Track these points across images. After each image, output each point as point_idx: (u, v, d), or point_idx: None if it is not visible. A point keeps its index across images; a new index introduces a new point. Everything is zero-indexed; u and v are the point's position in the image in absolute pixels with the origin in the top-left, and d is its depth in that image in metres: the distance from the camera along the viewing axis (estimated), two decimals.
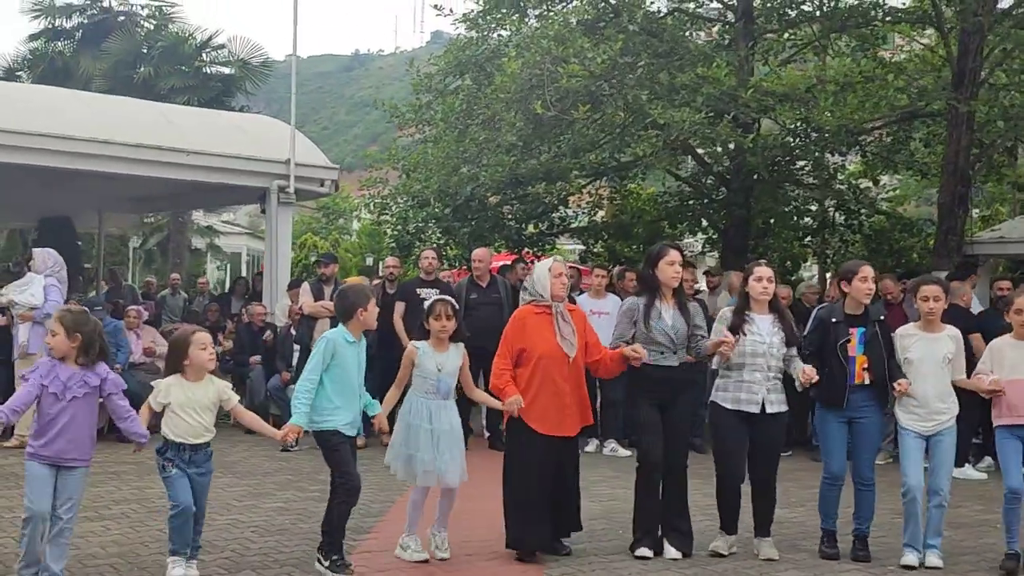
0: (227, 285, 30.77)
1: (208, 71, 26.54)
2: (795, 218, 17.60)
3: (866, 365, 6.82)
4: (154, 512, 7.32)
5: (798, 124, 14.72)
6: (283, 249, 13.88)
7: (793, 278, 17.65)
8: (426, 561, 6.35)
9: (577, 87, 13.08)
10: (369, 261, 36.17)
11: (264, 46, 28.96)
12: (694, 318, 6.93)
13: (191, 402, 5.73)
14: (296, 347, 11.24)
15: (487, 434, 10.93)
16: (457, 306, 6.60)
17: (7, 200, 17.27)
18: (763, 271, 6.85)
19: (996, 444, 6.99)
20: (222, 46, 26.58)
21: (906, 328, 7.06)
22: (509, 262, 13.85)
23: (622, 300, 9.34)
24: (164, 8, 27.48)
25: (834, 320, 6.95)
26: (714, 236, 18.04)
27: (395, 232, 16.89)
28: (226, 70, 26.65)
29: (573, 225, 18.17)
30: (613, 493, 8.62)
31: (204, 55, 26.55)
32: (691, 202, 17.65)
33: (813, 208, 17.74)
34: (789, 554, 6.89)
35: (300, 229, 40.98)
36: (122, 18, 27.35)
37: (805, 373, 6.63)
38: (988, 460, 10.47)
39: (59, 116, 12.68)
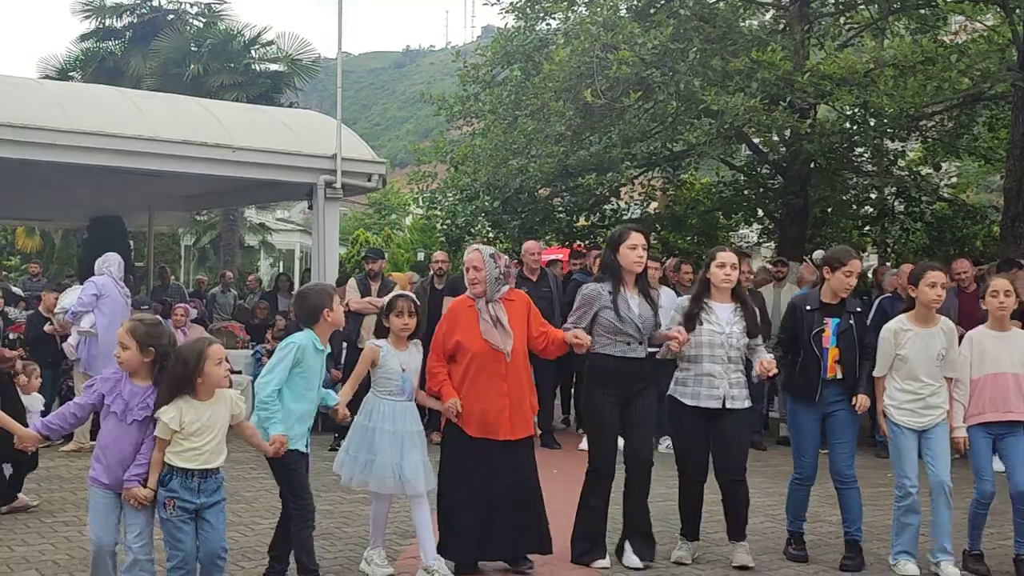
0: None
1: (257, 68, 26.63)
2: (854, 207, 17.14)
3: (838, 358, 6.43)
4: None
5: (856, 110, 14.30)
6: (331, 245, 13.72)
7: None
8: (391, 575, 6.00)
9: (627, 74, 12.77)
10: (420, 256, 36.10)
11: (313, 43, 29.06)
12: (658, 306, 6.50)
13: (202, 425, 4.91)
14: (344, 344, 11.07)
15: (539, 432, 10.69)
16: (419, 303, 6.17)
17: (58, 200, 17.38)
18: (727, 256, 6.40)
19: (970, 443, 6.48)
20: (271, 43, 26.69)
21: (897, 322, 6.55)
22: (558, 256, 13.61)
23: (678, 294, 9.04)
24: (213, 6, 27.64)
25: (808, 308, 6.55)
26: (770, 226, 17.64)
27: (444, 226, 16.71)
28: (275, 67, 26.72)
29: (625, 217, 17.85)
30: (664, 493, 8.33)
31: (253, 52, 26.61)
32: (746, 192, 17.26)
33: (872, 196, 17.26)
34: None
35: (352, 225, 41.10)
36: (171, 16, 27.53)
37: (763, 365, 6.26)
38: None
39: (106, 114, 12.64)
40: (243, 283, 21.18)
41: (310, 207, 14.25)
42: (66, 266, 27.05)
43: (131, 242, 21.31)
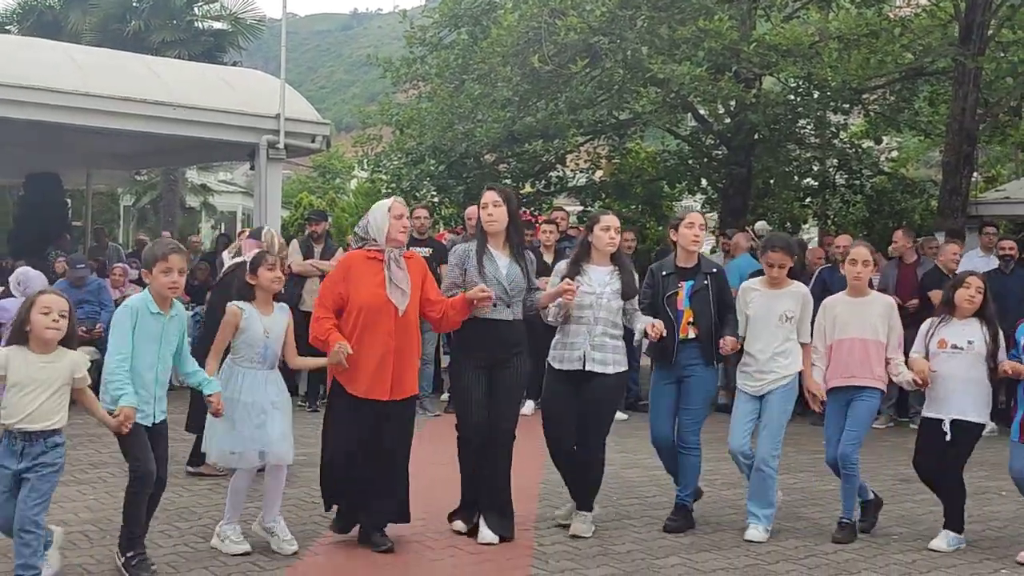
0: None
1: (200, 26, 26.14)
2: (796, 178, 17.31)
3: (691, 319, 6.45)
4: None
5: (800, 81, 14.40)
6: (273, 206, 13.56)
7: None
8: (247, 553, 5.64)
9: (575, 41, 12.76)
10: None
11: (258, 2, 28.58)
12: (530, 267, 6.30)
13: (32, 379, 4.72)
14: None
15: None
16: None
17: None
18: (610, 220, 6.33)
19: (826, 410, 6.61)
20: (214, 0, 26.18)
21: (750, 283, 6.70)
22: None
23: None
24: None
25: (664, 273, 6.58)
26: (713, 196, 17.75)
27: (389, 190, 16.58)
28: (218, 25, 26.26)
29: (571, 184, 17.85)
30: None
31: (196, 9, 26.12)
32: (690, 161, 17.34)
33: (814, 168, 17.43)
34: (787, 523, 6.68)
35: (296, 188, 40.66)
36: None
37: (655, 327, 6.11)
38: (991, 425, 10.23)
39: (43, 68, 12.32)
40: (186, 245, 20.89)
41: (252, 168, 14.08)
42: (1, 225, 26.50)
43: (68, 200, 20.93)
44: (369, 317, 5.76)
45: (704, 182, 17.40)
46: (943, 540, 6.38)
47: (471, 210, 11.26)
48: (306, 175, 49.26)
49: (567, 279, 6.14)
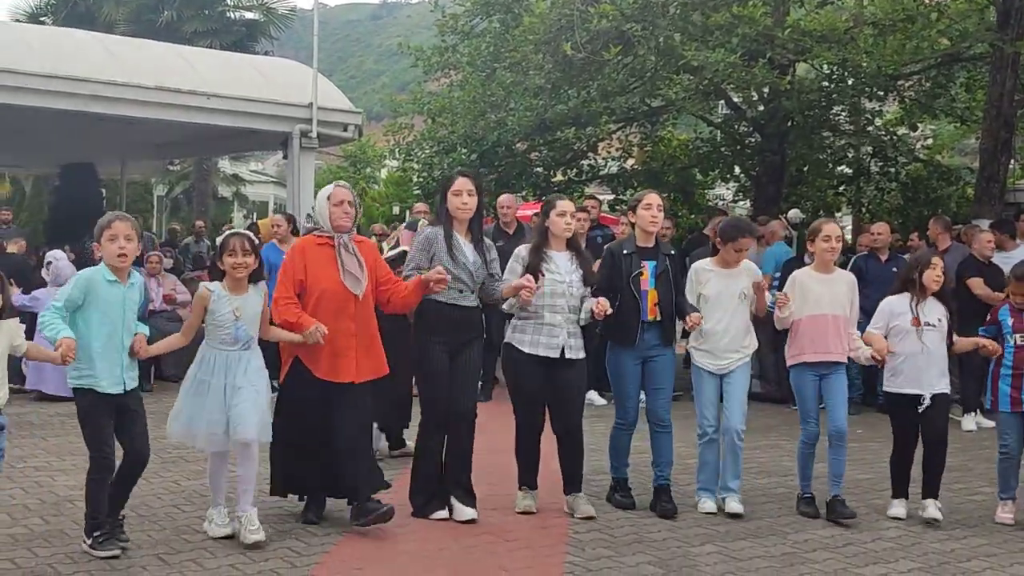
0: None
1: (232, 16, 26.27)
2: (830, 166, 17.16)
3: (656, 300, 6.46)
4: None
5: (835, 68, 14.26)
6: (306, 195, 13.62)
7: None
8: (230, 536, 5.59)
9: (608, 28, 12.67)
10: (396, 210, 35.93)
11: None
12: (488, 254, 6.32)
13: None
14: None
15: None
16: (256, 241, 5.78)
17: (29, 146, 17.14)
18: (567, 205, 6.34)
19: (794, 384, 6.78)
20: None
21: (702, 263, 6.76)
22: (536, 211, 13.50)
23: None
24: None
25: (625, 252, 6.56)
26: (747, 184, 17.64)
27: (420, 179, 16.59)
28: (250, 15, 26.40)
29: (603, 172, 17.79)
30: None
31: None
32: (723, 149, 17.23)
33: (849, 155, 17.28)
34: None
35: (326, 178, 40.76)
36: None
37: (600, 304, 6.10)
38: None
39: (79, 59, 12.44)
40: (217, 233, 21.02)
41: (285, 157, 14.13)
42: (37, 214, 26.73)
43: (103, 190, 21.10)
44: (330, 302, 5.82)
45: (737, 169, 17.28)
46: (934, 509, 6.56)
47: (503, 198, 11.26)
48: (337, 165, 49.41)
49: (528, 276, 6.09)
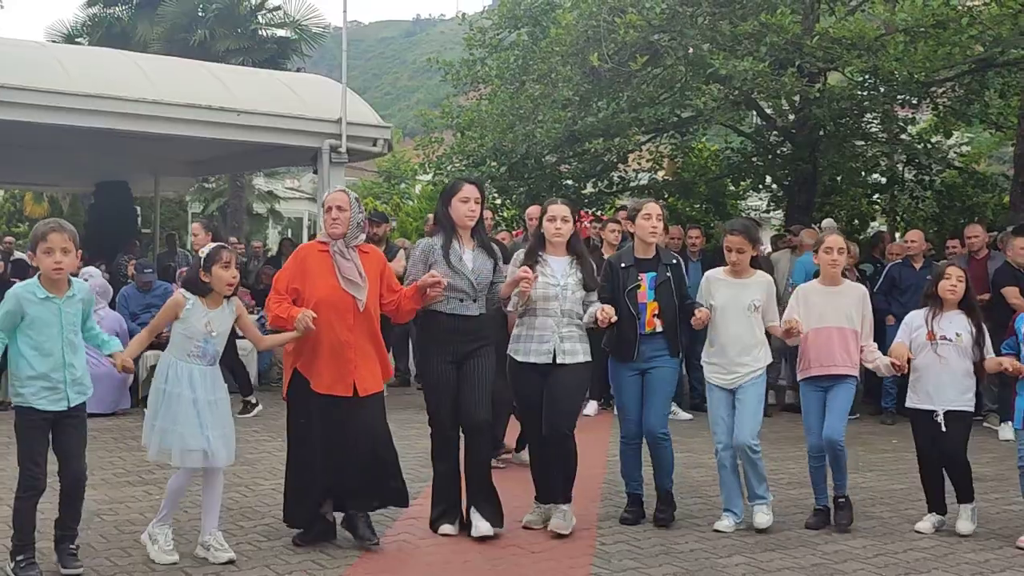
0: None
1: (263, 33, 26.47)
2: (863, 174, 16.99)
3: (657, 311, 6.33)
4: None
5: (867, 76, 14.13)
6: None
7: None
8: (175, 563, 5.41)
9: (635, 39, 12.62)
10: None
11: (322, 10, 28.88)
12: (498, 261, 6.19)
13: None
14: None
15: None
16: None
17: (64, 164, 17.33)
18: (557, 210, 6.16)
19: (801, 399, 6.70)
20: (277, 8, 26.54)
21: (715, 272, 6.64)
22: None
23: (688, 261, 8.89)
24: None
25: (623, 265, 6.44)
26: (779, 194, 17.50)
27: None
28: (281, 32, 26.58)
29: (633, 184, 17.72)
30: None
31: (259, 17, 26.46)
32: (754, 159, 17.11)
33: (882, 164, 17.10)
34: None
35: (361, 194, 40.94)
36: None
37: (604, 311, 5.95)
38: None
39: (110, 76, 12.55)
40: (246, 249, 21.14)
41: (315, 172, 14.17)
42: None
43: (138, 208, 21.28)
44: (325, 312, 5.67)
45: (769, 179, 17.15)
46: (967, 518, 6.48)
47: (532, 210, 11.22)
48: (371, 180, 49.62)
49: (525, 267, 6.01)
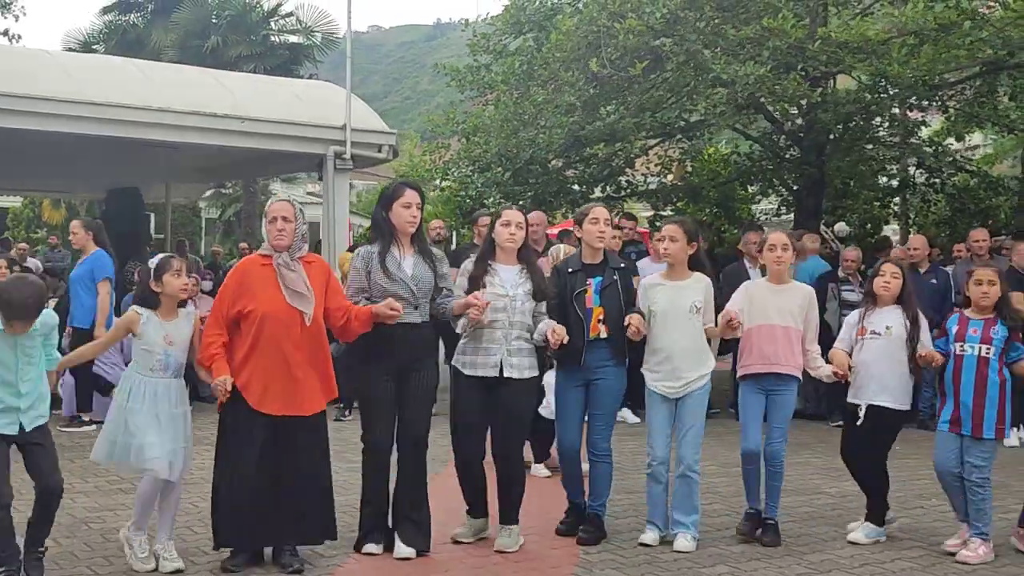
0: None
1: (276, 40, 26.61)
2: (874, 178, 16.88)
3: (602, 317, 6.11)
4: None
5: (875, 79, 14.04)
6: (340, 216, 13.72)
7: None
8: (152, 570, 5.39)
9: (636, 43, 12.57)
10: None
11: (336, 15, 28.99)
12: (439, 267, 5.95)
13: None
14: None
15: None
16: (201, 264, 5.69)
17: (76, 171, 17.43)
18: (512, 215, 5.99)
19: (739, 399, 6.51)
20: (290, 14, 26.71)
21: (651, 277, 6.45)
22: (569, 228, 13.43)
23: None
24: None
25: (570, 270, 6.27)
26: (789, 198, 17.42)
27: (458, 198, 16.60)
28: (293, 39, 26.73)
29: (641, 188, 17.66)
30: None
31: (272, 24, 26.60)
32: (763, 163, 17.03)
33: (893, 167, 16.99)
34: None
35: (374, 199, 41.09)
36: None
37: (555, 332, 5.74)
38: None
39: (115, 84, 12.63)
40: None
41: (320, 178, 14.24)
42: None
43: (150, 214, 21.38)
44: (271, 327, 5.45)
45: (778, 183, 17.07)
46: (861, 532, 6.36)
47: (532, 215, 11.19)
48: (385, 186, 49.68)
49: (475, 293, 5.80)
